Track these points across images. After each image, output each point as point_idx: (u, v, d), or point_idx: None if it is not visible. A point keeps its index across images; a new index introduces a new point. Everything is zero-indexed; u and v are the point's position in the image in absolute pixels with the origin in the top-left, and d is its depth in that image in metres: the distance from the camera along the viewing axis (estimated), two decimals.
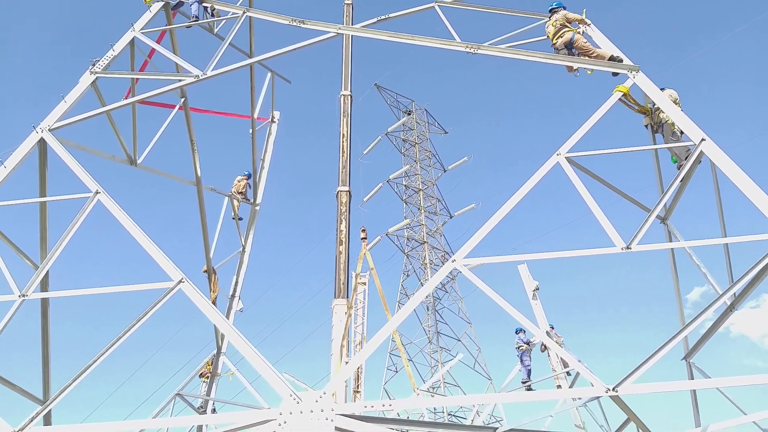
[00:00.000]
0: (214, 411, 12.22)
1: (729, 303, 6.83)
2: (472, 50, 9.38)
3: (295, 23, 11.14)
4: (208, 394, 12.62)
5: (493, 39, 9.63)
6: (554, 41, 9.28)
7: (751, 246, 6.33)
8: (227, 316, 13.99)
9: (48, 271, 7.88)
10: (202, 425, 10.34)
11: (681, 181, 7.50)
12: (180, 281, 6.30)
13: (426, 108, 53.63)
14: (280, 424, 5.01)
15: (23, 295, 7.20)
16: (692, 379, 7.74)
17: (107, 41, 11.25)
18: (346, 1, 17.12)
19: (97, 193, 7.87)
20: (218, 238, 14.36)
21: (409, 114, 52.00)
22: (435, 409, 29.56)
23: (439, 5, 11.19)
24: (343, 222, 14.73)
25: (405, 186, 46.13)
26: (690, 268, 8.33)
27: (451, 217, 46.60)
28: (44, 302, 8.54)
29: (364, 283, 18.35)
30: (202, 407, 11.97)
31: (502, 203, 6.77)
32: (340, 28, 10.97)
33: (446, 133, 53.84)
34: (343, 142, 16.44)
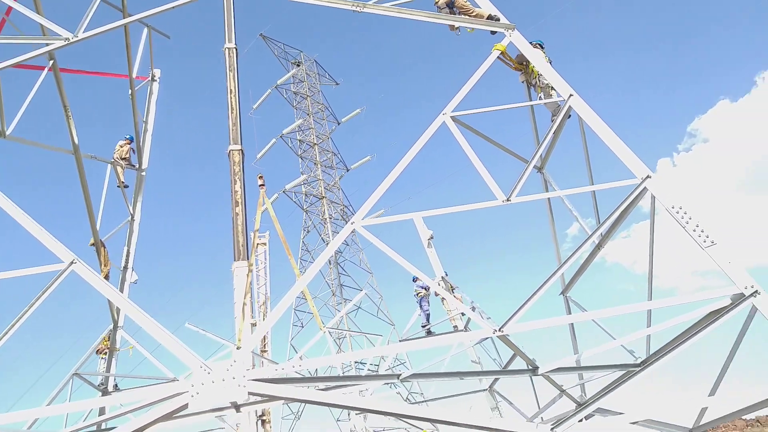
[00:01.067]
0: (116, 387, 11.93)
1: (597, 242, 7.67)
2: (357, 8, 9.39)
3: None
4: (108, 370, 12.26)
5: None
6: (436, 0, 9.52)
7: (615, 191, 7.12)
8: (121, 290, 13.50)
9: None
10: (104, 406, 10.09)
11: (554, 133, 8.17)
12: (72, 262, 6.06)
13: (315, 59, 52.71)
14: (192, 396, 5.10)
15: None
16: (569, 312, 8.66)
17: None
18: None
19: None
20: (104, 209, 13.63)
21: (298, 65, 50.87)
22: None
23: None
24: (238, 182, 14.44)
25: (299, 141, 45.57)
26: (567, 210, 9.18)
27: (347, 170, 46.87)
28: None
29: (265, 243, 18.26)
30: (102, 384, 11.64)
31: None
32: None
33: (338, 84, 53.43)
34: (231, 98, 15.86)
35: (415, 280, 15.21)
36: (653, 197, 6.53)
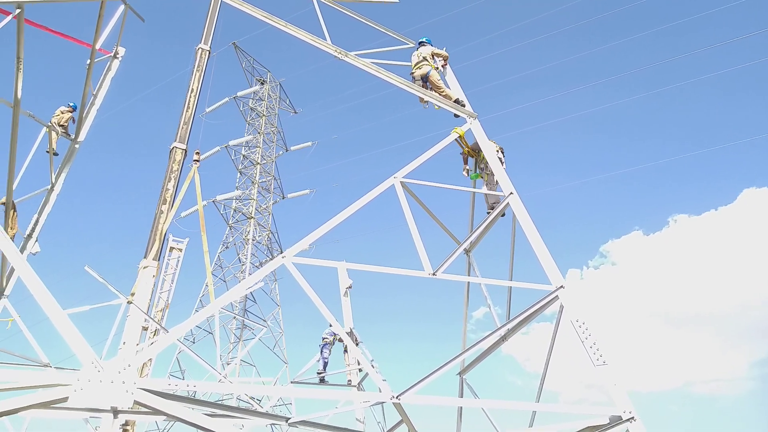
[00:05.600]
0: None
1: (502, 334, 8.07)
2: (339, 55, 9.71)
3: None
4: None
5: (362, 44, 10.12)
6: (413, 70, 10.05)
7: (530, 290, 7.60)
8: None
9: None
10: None
11: (488, 223, 8.66)
12: None
13: (281, 82, 52.85)
14: (75, 391, 4.89)
15: None
16: (462, 394, 8.96)
17: None
18: None
19: None
20: (26, 172, 13.01)
21: (262, 84, 50.78)
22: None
23: None
24: (172, 181, 14.12)
25: (243, 156, 45.05)
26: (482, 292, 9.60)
27: (283, 197, 46.54)
28: None
29: (180, 249, 17.76)
30: None
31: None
32: None
33: (296, 113, 53.55)
34: (190, 96, 15.63)
35: (331, 324, 15.12)
36: (562, 307, 7.02)
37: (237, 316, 35.77)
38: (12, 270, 12.99)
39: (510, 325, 7.62)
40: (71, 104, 15.55)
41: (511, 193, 8.08)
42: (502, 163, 9.19)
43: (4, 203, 12.34)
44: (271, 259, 40.85)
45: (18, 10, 11.55)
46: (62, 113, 15.30)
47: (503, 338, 8.17)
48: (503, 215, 8.47)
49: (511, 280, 8.02)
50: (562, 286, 7.04)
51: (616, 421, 6.10)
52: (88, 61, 14.51)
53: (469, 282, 9.44)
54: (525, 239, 7.78)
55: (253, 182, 43.87)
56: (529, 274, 8.10)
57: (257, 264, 39.46)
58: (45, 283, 5.63)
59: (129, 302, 10.66)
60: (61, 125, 14.95)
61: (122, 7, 15.19)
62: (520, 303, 8.24)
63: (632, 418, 6.06)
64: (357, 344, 13.54)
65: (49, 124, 14.33)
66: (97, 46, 14.51)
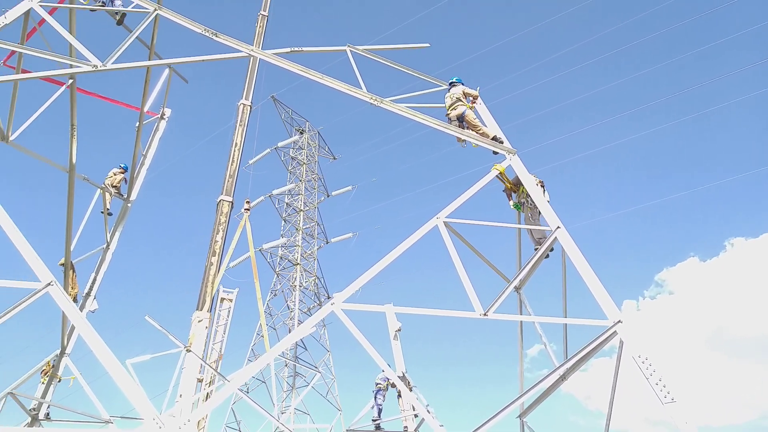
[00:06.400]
0: (47, 416, 11.38)
1: (562, 374, 7.80)
2: (375, 102, 9.88)
3: (207, 34, 10.91)
4: (44, 397, 11.72)
5: (396, 88, 10.29)
6: (448, 111, 10.13)
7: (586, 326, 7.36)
8: None
9: None
10: None
11: (536, 260, 8.50)
12: (49, 284, 6.01)
13: (319, 131, 54.03)
14: None
15: None
16: None
17: None
18: (262, 12, 17.06)
19: None
20: (82, 232, 13.59)
21: (301, 133, 52.02)
22: None
23: (351, 50, 11.57)
24: (221, 233, 14.47)
25: (287, 204, 45.90)
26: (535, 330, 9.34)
27: (327, 242, 46.98)
28: None
29: (231, 300, 18.02)
30: (35, 410, 11.09)
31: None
32: (252, 50, 11.01)
33: (335, 158, 54.46)
34: (234, 151, 16.15)
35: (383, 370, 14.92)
36: (621, 342, 6.75)
37: (289, 362, 35.79)
38: (72, 328, 13.45)
39: (568, 364, 7.37)
40: (122, 165, 16.27)
41: (558, 227, 7.93)
42: None
43: (62, 264, 12.88)
44: (319, 305, 41.04)
45: (71, 80, 12.32)
46: (114, 175, 16.01)
47: (563, 377, 7.90)
48: (552, 250, 8.31)
49: (566, 317, 7.79)
50: (619, 321, 6.79)
51: None
52: (137, 124, 15.26)
53: (522, 321, 9.23)
54: (576, 273, 7.58)
55: (297, 229, 44.49)
56: (583, 308, 7.88)
57: (305, 310, 39.63)
58: (104, 338, 5.78)
59: (188, 350, 10.88)
60: (114, 186, 15.61)
61: (167, 70, 16.02)
62: (577, 338, 7.98)
63: None
64: (411, 389, 13.30)
65: (103, 186, 14.98)
66: (145, 109, 15.28)
